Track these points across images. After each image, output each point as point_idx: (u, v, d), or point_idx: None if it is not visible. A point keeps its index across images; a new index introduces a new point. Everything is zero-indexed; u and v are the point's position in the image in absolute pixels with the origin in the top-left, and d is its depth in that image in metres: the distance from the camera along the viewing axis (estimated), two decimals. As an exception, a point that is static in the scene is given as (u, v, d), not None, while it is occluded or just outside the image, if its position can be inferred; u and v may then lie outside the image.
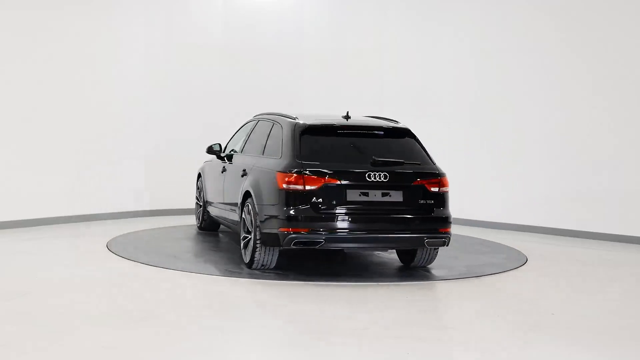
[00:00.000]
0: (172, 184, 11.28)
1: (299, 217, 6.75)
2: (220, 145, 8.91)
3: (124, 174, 10.90)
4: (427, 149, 7.41)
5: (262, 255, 7.12)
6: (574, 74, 10.17)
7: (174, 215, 11.23)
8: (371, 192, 6.87)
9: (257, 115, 8.56)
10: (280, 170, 6.89)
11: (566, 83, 10.24)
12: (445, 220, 7.09)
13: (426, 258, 7.51)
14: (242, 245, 7.45)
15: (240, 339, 5.16)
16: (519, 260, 8.29)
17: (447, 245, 7.17)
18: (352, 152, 7.08)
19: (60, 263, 7.59)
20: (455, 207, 10.95)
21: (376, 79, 11.88)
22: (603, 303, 6.58)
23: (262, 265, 7.20)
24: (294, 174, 6.78)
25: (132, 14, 10.97)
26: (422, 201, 6.98)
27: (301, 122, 7.25)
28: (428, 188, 6.99)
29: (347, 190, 6.83)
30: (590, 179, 10.03)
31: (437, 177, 7.07)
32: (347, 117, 7.58)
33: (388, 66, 11.78)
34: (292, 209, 6.76)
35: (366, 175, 6.84)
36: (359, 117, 7.84)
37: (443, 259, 8.34)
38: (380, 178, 6.84)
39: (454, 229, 10.36)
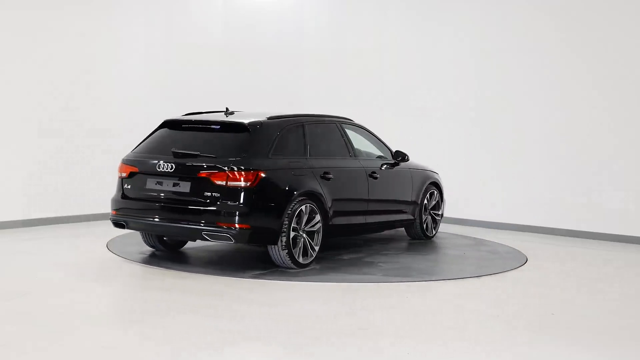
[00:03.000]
0: (172, 184, 11.27)
1: (115, 201, 7.59)
2: None
3: (124, 174, 10.89)
4: (260, 146, 7.22)
5: (142, 237, 8.02)
6: (574, 74, 10.17)
7: (174, 215, 11.21)
8: (165, 182, 7.22)
9: None
10: None
11: (566, 83, 10.24)
12: (229, 214, 6.89)
13: (278, 258, 7.22)
14: None
15: (240, 338, 5.16)
16: (519, 260, 8.29)
17: (236, 242, 7.02)
18: (181, 145, 7.32)
19: (60, 263, 7.59)
20: (455, 207, 11.05)
21: (376, 79, 11.87)
22: (603, 303, 6.58)
23: (152, 246, 8.05)
24: (120, 162, 7.63)
25: (132, 14, 10.96)
26: (207, 193, 6.96)
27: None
28: (213, 181, 6.93)
29: (147, 179, 7.33)
30: (590, 179, 10.03)
31: (224, 171, 6.92)
32: (227, 113, 7.90)
33: (388, 66, 11.77)
34: (115, 194, 7.65)
35: (157, 165, 7.21)
36: (239, 113, 7.98)
37: (443, 259, 8.34)
38: (167, 168, 7.15)
39: (454, 229, 10.47)
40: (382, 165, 8.74)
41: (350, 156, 8.39)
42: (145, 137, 7.95)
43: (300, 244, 7.33)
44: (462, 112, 11.14)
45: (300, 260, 7.34)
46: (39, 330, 5.18)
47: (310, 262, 7.49)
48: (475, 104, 11.05)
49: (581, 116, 10.12)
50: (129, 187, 7.47)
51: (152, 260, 7.71)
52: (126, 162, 7.56)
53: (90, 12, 10.40)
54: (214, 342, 5.05)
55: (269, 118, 7.59)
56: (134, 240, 8.70)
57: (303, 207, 7.31)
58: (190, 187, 7.06)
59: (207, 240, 7.12)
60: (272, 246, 7.18)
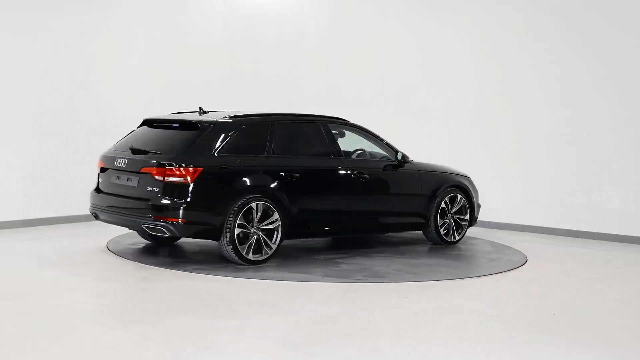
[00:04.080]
0: (172, 184, 11.26)
1: (91, 194, 8.10)
2: None
3: (124, 174, 10.90)
4: (208, 143, 7.46)
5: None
6: (574, 74, 10.17)
7: (174, 215, 11.21)
8: (122, 177, 7.66)
9: None
10: None
11: (566, 83, 10.24)
12: (165, 208, 7.18)
13: (226, 253, 7.44)
14: None
15: (241, 338, 5.16)
16: (519, 260, 8.29)
17: (170, 235, 7.32)
18: (144, 142, 7.74)
19: (60, 263, 7.59)
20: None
21: (376, 79, 11.87)
22: (603, 303, 6.58)
23: (145, 239, 8.54)
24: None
25: (132, 14, 10.96)
26: (149, 188, 7.29)
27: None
28: (154, 176, 7.26)
29: (112, 174, 7.80)
30: (590, 179, 10.03)
31: (161, 167, 7.23)
32: (200, 112, 8.17)
33: (388, 66, 11.77)
34: (93, 187, 8.16)
35: (115, 161, 7.69)
36: (212, 113, 8.21)
37: (442, 259, 8.33)
38: (122, 164, 7.62)
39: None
40: (384, 166, 8.65)
41: (333, 156, 8.30)
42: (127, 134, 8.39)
43: (252, 241, 7.44)
44: (462, 112, 11.14)
45: (250, 257, 7.44)
46: (39, 330, 5.18)
47: (265, 260, 7.54)
48: (475, 104, 11.05)
49: (581, 116, 10.12)
50: (101, 181, 7.98)
51: (152, 260, 7.71)
52: (101, 157, 8.07)
53: (90, 12, 10.40)
54: (214, 342, 5.05)
55: (230, 117, 7.83)
56: (134, 240, 8.71)
57: (254, 205, 7.43)
58: (138, 182, 7.43)
59: (148, 232, 7.60)
60: (220, 241, 7.36)
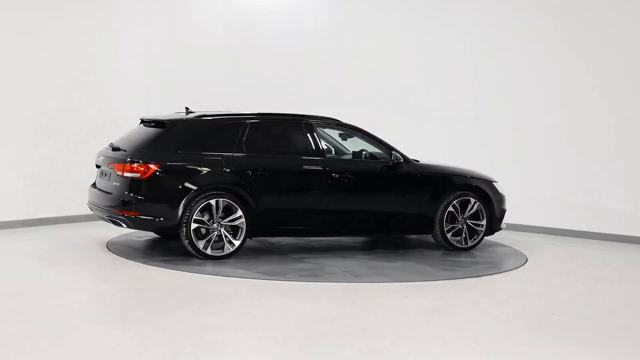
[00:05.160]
0: (172, 184, 11.25)
1: (88, 190, 8.51)
2: None
3: (124, 174, 10.89)
4: (170, 141, 7.80)
5: None
6: (574, 74, 10.17)
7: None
8: (103, 172, 8.14)
9: None
10: None
11: (566, 83, 10.24)
12: (122, 202, 7.62)
13: (185, 247, 7.69)
14: None
15: (240, 338, 5.16)
16: (519, 260, 8.29)
17: (126, 227, 7.76)
18: (126, 140, 8.17)
19: (60, 263, 7.59)
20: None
21: (376, 79, 11.86)
22: (603, 303, 6.59)
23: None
24: None
25: (132, 14, 10.95)
26: (114, 183, 7.79)
27: None
28: (116, 171, 7.72)
29: (100, 170, 8.27)
30: (590, 179, 10.04)
31: (121, 163, 7.68)
32: (187, 112, 8.45)
33: (388, 66, 11.77)
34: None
35: (99, 157, 8.26)
36: (196, 112, 8.42)
37: (442, 259, 8.33)
38: (100, 160, 8.17)
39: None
40: (381, 167, 8.52)
41: (312, 156, 8.19)
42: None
43: (212, 237, 7.63)
44: (462, 112, 11.14)
45: (209, 252, 7.64)
46: (39, 330, 5.19)
47: (226, 255, 7.67)
48: (475, 104, 11.05)
49: (581, 116, 10.12)
50: (96, 177, 8.44)
51: (152, 260, 7.71)
52: (97, 154, 8.52)
53: (90, 12, 10.39)
54: (214, 342, 5.05)
55: (201, 116, 8.12)
56: (134, 240, 8.72)
57: (213, 201, 7.59)
58: (109, 177, 7.92)
59: (110, 223, 7.95)
60: (180, 235, 7.67)
